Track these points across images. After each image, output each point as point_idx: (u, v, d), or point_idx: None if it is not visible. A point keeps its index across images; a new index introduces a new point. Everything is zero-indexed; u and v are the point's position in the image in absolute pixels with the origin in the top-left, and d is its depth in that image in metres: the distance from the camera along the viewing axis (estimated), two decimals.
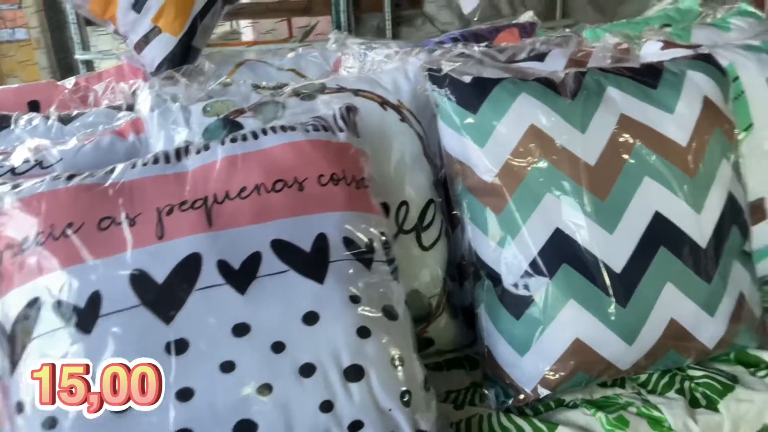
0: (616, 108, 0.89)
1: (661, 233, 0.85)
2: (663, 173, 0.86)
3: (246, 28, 5.06)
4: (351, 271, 0.72)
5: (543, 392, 0.83)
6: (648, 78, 0.92)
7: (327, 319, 0.69)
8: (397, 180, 0.94)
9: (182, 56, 1.15)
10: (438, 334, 0.97)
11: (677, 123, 0.89)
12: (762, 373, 0.90)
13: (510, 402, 0.85)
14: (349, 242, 0.73)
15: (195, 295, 0.66)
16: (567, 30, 1.49)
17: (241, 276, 0.68)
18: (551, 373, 0.82)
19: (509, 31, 1.46)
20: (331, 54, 1.33)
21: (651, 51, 1.12)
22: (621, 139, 0.87)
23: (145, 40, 1.13)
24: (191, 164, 0.74)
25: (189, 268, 0.66)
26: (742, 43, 1.14)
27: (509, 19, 1.51)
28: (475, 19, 1.34)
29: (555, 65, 1.10)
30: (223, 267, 0.68)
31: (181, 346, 0.64)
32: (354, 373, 0.68)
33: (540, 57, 1.13)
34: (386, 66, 1.08)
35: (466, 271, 0.96)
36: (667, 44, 1.12)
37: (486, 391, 0.87)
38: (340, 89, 0.96)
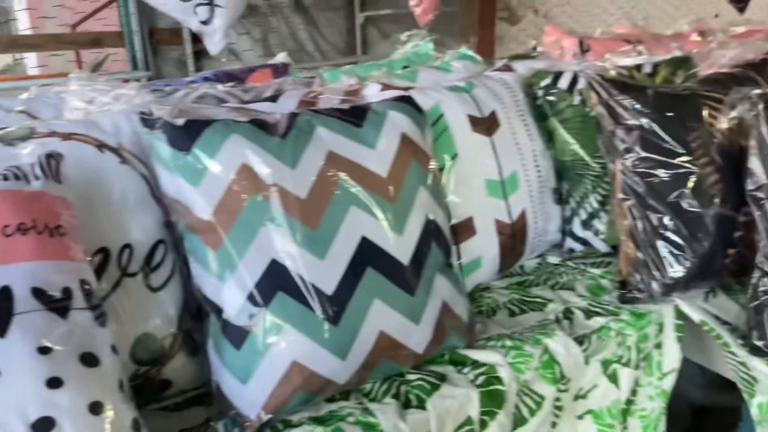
0: (324, 145, 0.98)
1: (367, 255, 0.95)
2: (367, 202, 0.97)
3: (31, 61, 4.64)
4: (41, 322, 0.71)
5: (266, 417, 0.87)
6: (354, 118, 1.03)
7: (9, 374, 0.67)
8: (118, 223, 0.94)
9: None
10: (175, 375, 0.98)
11: (378, 157, 1.01)
12: (467, 369, 1.03)
13: (237, 431, 0.88)
14: (39, 293, 0.72)
15: None
16: (320, 70, 1.60)
17: None
18: (272, 397, 0.87)
19: (262, 71, 1.53)
20: (69, 94, 1.28)
21: (372, 92, 1.25)
22: (329, 173, 0.96)
23: None
24: None
25: None
26: (450, 85, 1.33)
27: (264, 60, 1.59)
28: (224, 60, 1.39)
29: (287, 106, 1.18)
30: None
31: None
32: (43, 426, 0.66)
33: (274, 98, 1.21)
34: (114, 107, 1.07)
35: None
36: (386, 86, 1.26)
37: (215, 425, 0.89)
38: (51, 133, 0.93)
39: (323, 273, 0.91)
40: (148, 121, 0.91)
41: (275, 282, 0.89)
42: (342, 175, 0.96)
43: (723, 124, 1.16)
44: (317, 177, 0.95)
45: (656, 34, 1.96)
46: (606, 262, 1.38)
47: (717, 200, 1.17)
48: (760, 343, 1.07)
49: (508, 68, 1.48)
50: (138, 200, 0.96)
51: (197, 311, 1.00)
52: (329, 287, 0.91)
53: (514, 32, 4.05)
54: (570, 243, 1.44)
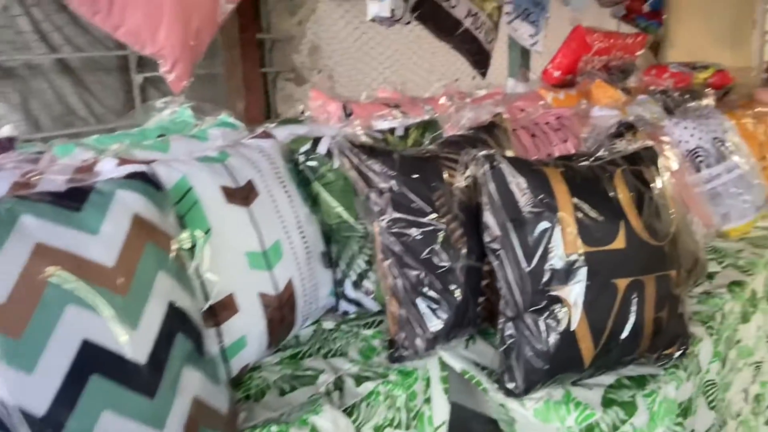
0: (29, 237, 0.84)
1: (92, 361, 0.82)
2: (88, 299, 0.84)
3: None
4: None
5: None
6: (71, 201, 0.91)
7: None
8: None
9: None
10: None
11: (103, 244, 0.89)
12: None
13: None
14: None
15: None
16: (53, 142, 1.41)
17: None
18: None
19: None
20: None
21: (108, 168, 1.13)
22: (36, 270, 0.82)
23: None
24: None
25: None
26: (201, 156, 1.26)
27: (27, 127, 1.36)
28: None
29: None
30: None
31: None
32: None
33: None
34: None
35: None
36: (123, 161, 1.15)
37: None
38: None
39: (32, 390, 0.76)
40: None
41: None
42: (54, 270, 0.83)
43: (461, 182, 1.26)
44: (20, 276, 0.80)
45: (413, 98, 2.11)
46: (378, 321, 1.40)
47: (464, 252, 1.24)
48: (511, 386, 1.14)
49: (266, 135, 1.46)
50: None
51: None
52: (40, 407, 0.76)
53: (300, 92, 4.14)
54: (344, 305, 1.44)
